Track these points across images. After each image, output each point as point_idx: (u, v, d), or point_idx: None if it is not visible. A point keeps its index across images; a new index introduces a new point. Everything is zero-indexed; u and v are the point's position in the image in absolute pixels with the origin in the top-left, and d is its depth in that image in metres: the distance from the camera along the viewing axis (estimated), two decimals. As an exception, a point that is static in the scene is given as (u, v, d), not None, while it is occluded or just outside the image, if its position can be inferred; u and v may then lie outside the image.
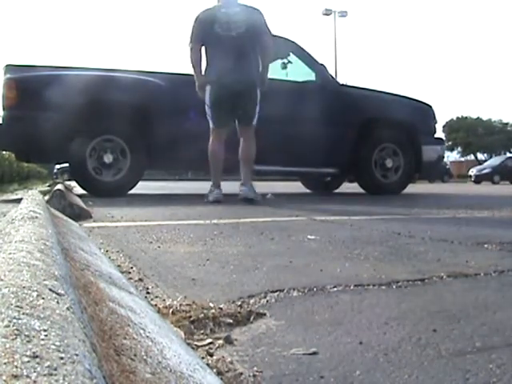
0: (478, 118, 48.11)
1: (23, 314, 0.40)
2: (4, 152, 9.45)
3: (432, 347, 0.81)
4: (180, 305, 1.00)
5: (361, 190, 6.44)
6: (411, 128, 6.22)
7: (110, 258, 1.56)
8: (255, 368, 0.73)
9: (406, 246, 1.87)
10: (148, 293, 1.15)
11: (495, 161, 29.38)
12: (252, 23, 4.34)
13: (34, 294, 0.46)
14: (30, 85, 4.96)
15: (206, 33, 4.35)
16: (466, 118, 48.49)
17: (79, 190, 5.33)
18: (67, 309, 0.46)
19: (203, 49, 4.43)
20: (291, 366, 0.74)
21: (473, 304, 1.08)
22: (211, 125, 4.42)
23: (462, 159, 48.05)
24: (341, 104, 5.86)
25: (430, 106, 6.59)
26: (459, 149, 48.65)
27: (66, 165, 5.84)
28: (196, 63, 4.44)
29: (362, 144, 5.96)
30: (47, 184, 10.16)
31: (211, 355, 0.77)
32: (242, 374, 0.70)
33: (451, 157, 47.03)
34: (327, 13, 29.06)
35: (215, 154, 4.42)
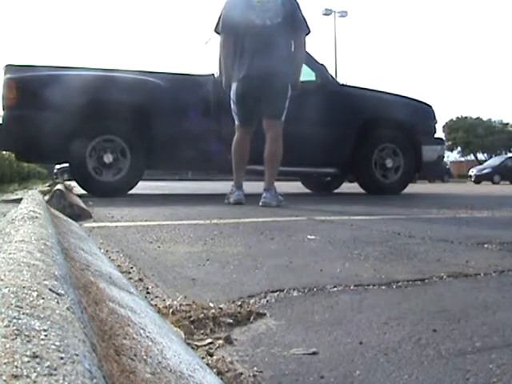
0: (478, 117, 48.12)
1: (23, 313, 0.40)
2: (4, 152, 9.45)
3: (432, 347, 0.81)
4: (180, 305, 1.00)
5: (361, 190, 6.44)
6: (411, 128, 6.22)
7: (109, 258, 1.56)
8: (255, 368, 0.73)
9: (406, 246, 1.87)
10: (148, 293, 1.15)
11: (495, 161, 29.37)
12: (288, 13, 4.02)
13: (34, 293, 0.46)
14: (30, 85, 4.96)
15: (237, 20, 4.00)
16: (466, 117, 48.50)
17: (79, 190, 5.33)
18: (67, 309, 0.46)
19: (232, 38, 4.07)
20: (291, 366, 0.74)
21: (473, 304, 1.08)
22: (236, 122, 4.18)
23: (462, 159, 48.06)
24: (341, 104, 5.86)
25: (430, 106, 6.59)
26: (459, 149, 48.66)
27: (66, 165, 5.84)
28: (226, 57, 4.10)
29: (362, 144, 5.96)
30: (47, 184, 10.16)
31: (211, 355, 0.77)
32: (241, 374, 0.70)
33: (451, 157, 47.08)
34: (327, 13, 29.07)
35: (239, 152, 4.18)
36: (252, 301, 1.08)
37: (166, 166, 6.75)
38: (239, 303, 1.06)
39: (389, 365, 0.74)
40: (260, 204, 3.96)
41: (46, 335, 0.37)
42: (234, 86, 4.13)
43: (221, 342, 0.83)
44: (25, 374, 0.31)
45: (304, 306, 1.05)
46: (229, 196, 4.24)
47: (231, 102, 4.20)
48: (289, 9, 4.06)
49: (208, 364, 0.72)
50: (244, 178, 4.33)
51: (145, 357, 0.55)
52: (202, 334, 0.87)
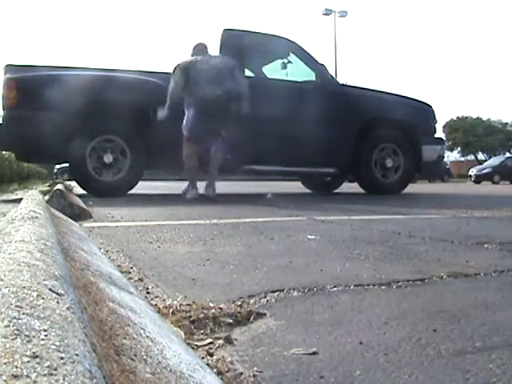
0: (478, 117, 48.06)
1: (23, 313, 0.40)
2: (4, 152, 9.44)
3: (432, 347, 0.81)
4: (180, 305, 1.00)
5: (361, 190, 6.44)
6: (411, 128, 6.22)
7: (110, 257, 1.56)
8: (255, 368, 0.73)
9: (406, 246, 1.87)
10: (148, 293, 1.15)
11: (495, 161, 29.33)
12: (229, 69, 4.96)
13: (34, 293, 0.46)
14: (30, 85, 4.96)
15: (190, 71, 4.92)
16: (466, 117, 48.44)
17: (79, 190, 5.33)
18: (67, 309, 0.46)
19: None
20: (291, 366, 0.74)
21: (473, 304, 1.08)
22: (185, 135, 4.83)
23: (462, 159, 48.00)
24: (341, 104, 5.86)
25: (430, 106, 6.58)
26: (459, 149, 48.62)
27: (66, 165, 5.84)
28: (173, 97, 4.93)
29: (362, 144, 5.96)
30: (47, 184, 10.15)
31: (211, 355, 0.77)
32: (242, 373, 0.70)
33: (451, 157, 46.97)
34: (327, 13, 29.03)
35: (188, 160, 4.92)
36: (252, 301, 1.08)
37: (166, 166, 6.75)
38: (239, 303, 1.06)
39: (389, 365, 0.74)
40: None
41: (46, 335, 0.37)
42: (187, 113, 4.89)
43: (221, 341, 0.83)
44: (25, 373, 0.31)
45: (304, 306, 1.05)
46: (185, 192, 4.94)
47: (184, 123, 4.87)
48: (230, 66, 5.01)
49: (208, 364, 0.72)
50: (197, 179, 5.05)
51: (145, 357, 0.55)
52: (202, 333, 0.87)
